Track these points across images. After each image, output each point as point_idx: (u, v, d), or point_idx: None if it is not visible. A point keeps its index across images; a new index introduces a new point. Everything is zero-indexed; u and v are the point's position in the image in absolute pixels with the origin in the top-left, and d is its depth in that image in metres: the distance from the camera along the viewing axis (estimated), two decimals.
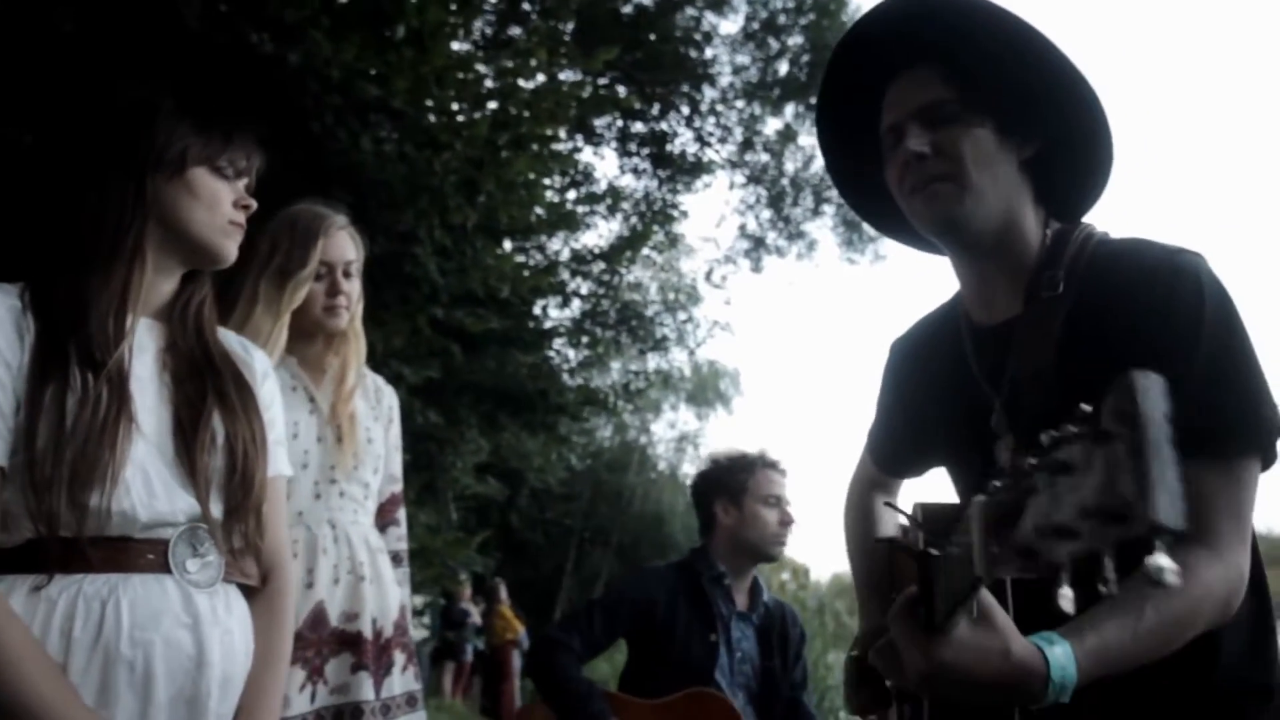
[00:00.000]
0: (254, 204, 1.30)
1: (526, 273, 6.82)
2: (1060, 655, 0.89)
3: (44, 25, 4.35)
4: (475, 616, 11.31)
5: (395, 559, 2.01)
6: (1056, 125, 1.12)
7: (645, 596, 2.47)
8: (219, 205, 1.25)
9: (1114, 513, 0.57)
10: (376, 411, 2.02)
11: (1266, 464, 1.04)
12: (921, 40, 1.14)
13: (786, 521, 2.53)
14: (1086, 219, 1.19)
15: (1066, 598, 0.63)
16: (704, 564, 2.54)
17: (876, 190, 1.24)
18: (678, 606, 2.46)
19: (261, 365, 1.40)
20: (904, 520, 1.31)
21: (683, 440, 25.57)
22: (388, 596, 1.91)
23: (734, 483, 2.56)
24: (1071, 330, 1.07)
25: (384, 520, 2.04)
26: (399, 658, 1.91)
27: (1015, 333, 1.12)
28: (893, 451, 1.45)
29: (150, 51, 4.37)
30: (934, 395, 1.27)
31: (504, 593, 11.36)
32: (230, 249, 1.28)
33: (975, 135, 1.10)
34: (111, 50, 4.36)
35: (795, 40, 11.51)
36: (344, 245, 1.94)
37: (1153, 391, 0.59)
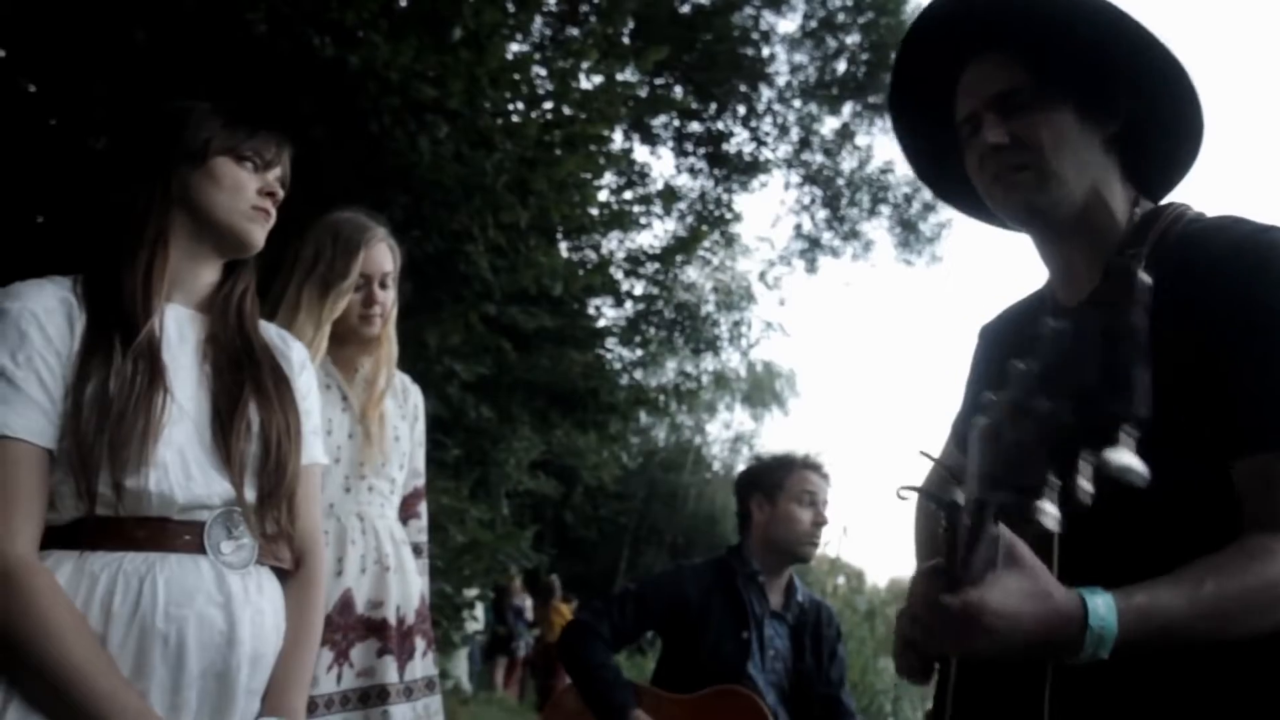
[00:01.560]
0: (281, 192, 1.36)
1: (580, 272, 6.88)
2: (1101, 605, 0.86)
3: (119, 36, 4.53)
4: (528, 611, 11.45)
5: (416, 550, 2.10)
6: (1141, 100, 1.09)
7: (678, 593, 2.50)
8: (242, 191, 1.31)
9: (1083, 398, 0.59)
10: (404, 410, 2.11)
11: None
12: (994, 23, 1.10)
13: (820, 522, 2.53)
14: (1183, 199, 1.14)
15: (1049, 514, 0.63)
16: (739, 561, 2.55)
17: (953, 172, 1.22)
18: (711, 604, 2.48)
19: (299, 356, 1.46)
20: (930, 479, 1.32)
21: (738, 441, 25.54)
22: (410, 586, 2.00)
23: (770, 480, 2.57)
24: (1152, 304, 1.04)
25: (406, 513, 2.13)
26: (420, 644, 2.00)
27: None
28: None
29: (217, 58, 4.53)
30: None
31: (559, 589, 11.48)
32: (257, 234, 1.33)
33: (1054, 121, 1.07)
34: (181, 58, 4.52)
35: (853, 39, 11.42)
36: (383, 257, 2.02)
37: (1140, 291, 0.61)
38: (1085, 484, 0.62)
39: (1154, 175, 1.15)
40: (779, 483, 2.55)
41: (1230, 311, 0.97)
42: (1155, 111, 1.09)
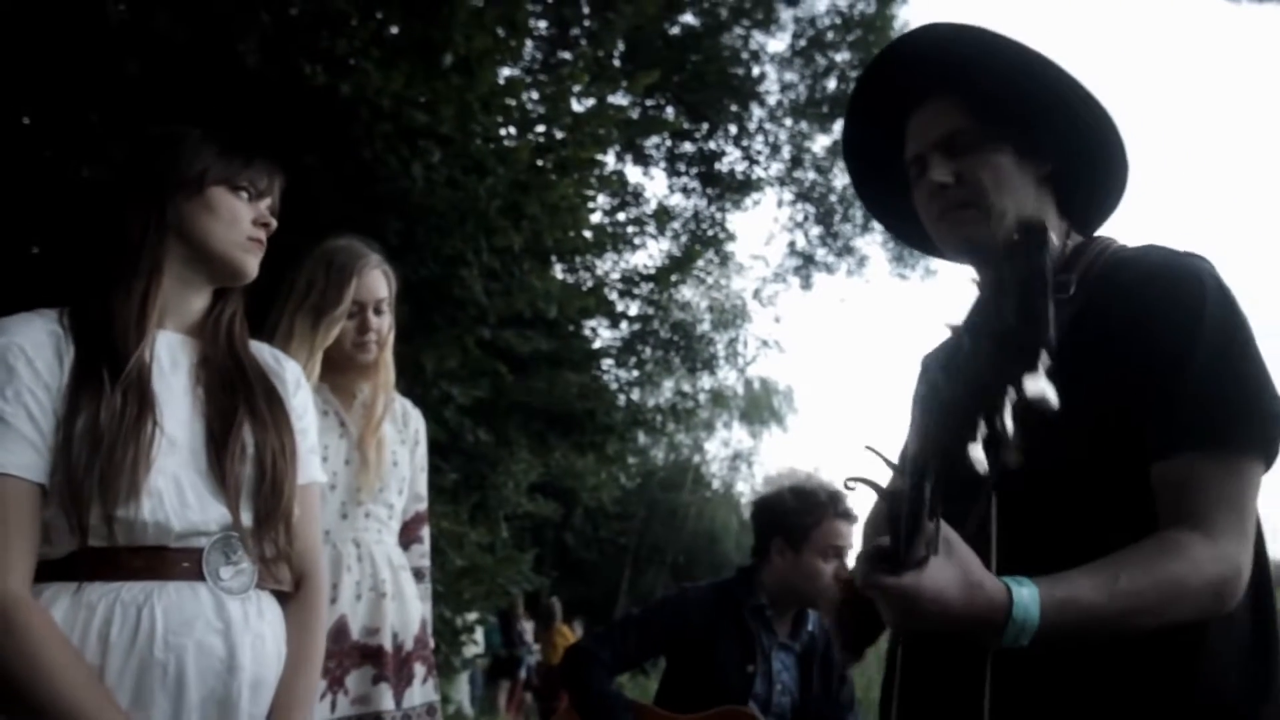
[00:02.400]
0: (274, 222, 1.37)
1: (575, 294, 6.89)
2: (1026, 595, 0.92)
3: (111, 67, 4.56)
4: (528, 634, 11.39)
5: (418, 574, 2.09)
6: (1071, 142, 1.18)
7: (681, 619, 2.44)
8: (238, 222, 1.32)
9: (1002, 336, 0.66)
10: (403, 435, 2.10)
11: (1269, 463, 1.04)
12: (938, 71, 1.20)
13: (841, 576, 2.45)
14: (1111, 232, 1.23)
15: (978, 461, 0.68)
16: (745, 592, 2.45)
17: (904, 211, 1.30)
18: (716, 631, 2.40)
19: (293, 375, 1.46)
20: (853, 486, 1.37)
21: (736, 459, 25.48)
22: (409, 611, 1.99)
23: (798, 526, 2.41)
24: (1076, 331, 1.08)
25: (408, 538, 2.12)
26: (419, 670, 1.98)
27: None
28: None
29: (209, 89, 4.56)
30: None
31: (560, 612, 11.43)
32: (250, 263, 1.34)
33: (993, 161, 1.16)
34: (174, 88, 4.55)
35: (843, 56, 11.51)
36: (376, 284, 2.01)
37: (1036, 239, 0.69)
38: (1009, 423, 0.67)
39: (1085, 211, 1.24)
40: (805, 532, 2.40)
41: (1143, 331, 1.06)
42: (1084, 153, 1.18)
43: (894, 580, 0.90)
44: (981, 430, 0.68)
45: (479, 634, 9.43)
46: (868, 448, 0.94)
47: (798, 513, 2.43)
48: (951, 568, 0.91)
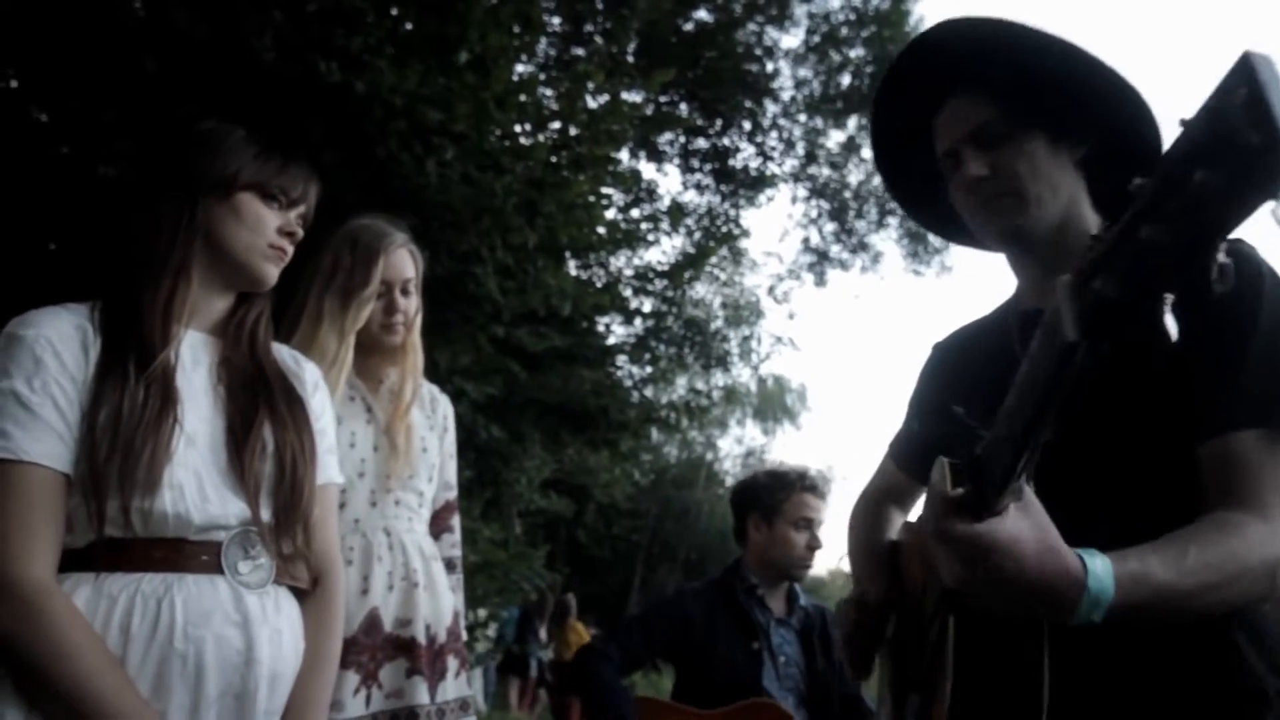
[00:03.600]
0: (300, 232, 1.37)
1: (589, 291, 6.89)
2: (1100, 567, 0.89)
3: (129, 64, 4.58)
4: (541, 631, 11.40)
5: (449, 565, 2.04)
6: (1105, 126, 1.17)
7: (680, 616, 2.52)
8: (262, 229, 1.32)
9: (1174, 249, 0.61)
10: (432, 421, 2.05)
11: None
12: (966, 64, 1.20)
13: (814, 546, 2.55)
14: None
15: (1171, 330, 0.64)
16: (737, 577, 2.59)
17: (934, 200, 1.31)
18: (716, 621, 2.50)
19: (312, 377, 1.46)
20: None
21: (750, 456, 25.47)
22: (441, 602, 1.93)
23: (769, 501, 2.59)
24: None
25: (438, 527, 2.07)
26: (452, 663, 1.93)
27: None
28: (920, 452, 1.45)
29: (226, 86, 4.57)
30: (975, 391, 1.27)
31: (574, 608, 11.45)
32: (269, 273, 1.34)
33: (1027, 150, 1.16)
34: (190, 87, 4.57)
35: (857, 52, 11.46)
36: (403, 263, 1.97)
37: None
38: (1170, 319, 0.64)
39: (1117, 199, 1.19)
40: (776, 506, 2.57)
41: (1201, 311, 1.02)
42: (1118, 134, 1.17)
43: (969, 527, 0.87)
44: (1170, 302, 0.64)
45: (491, 629, 9.46)
46: (952, 409, 0.93)
47: (769, 489, 2.61)
48: (1029, 524, 0.89)
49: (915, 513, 1.51)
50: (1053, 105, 1.16)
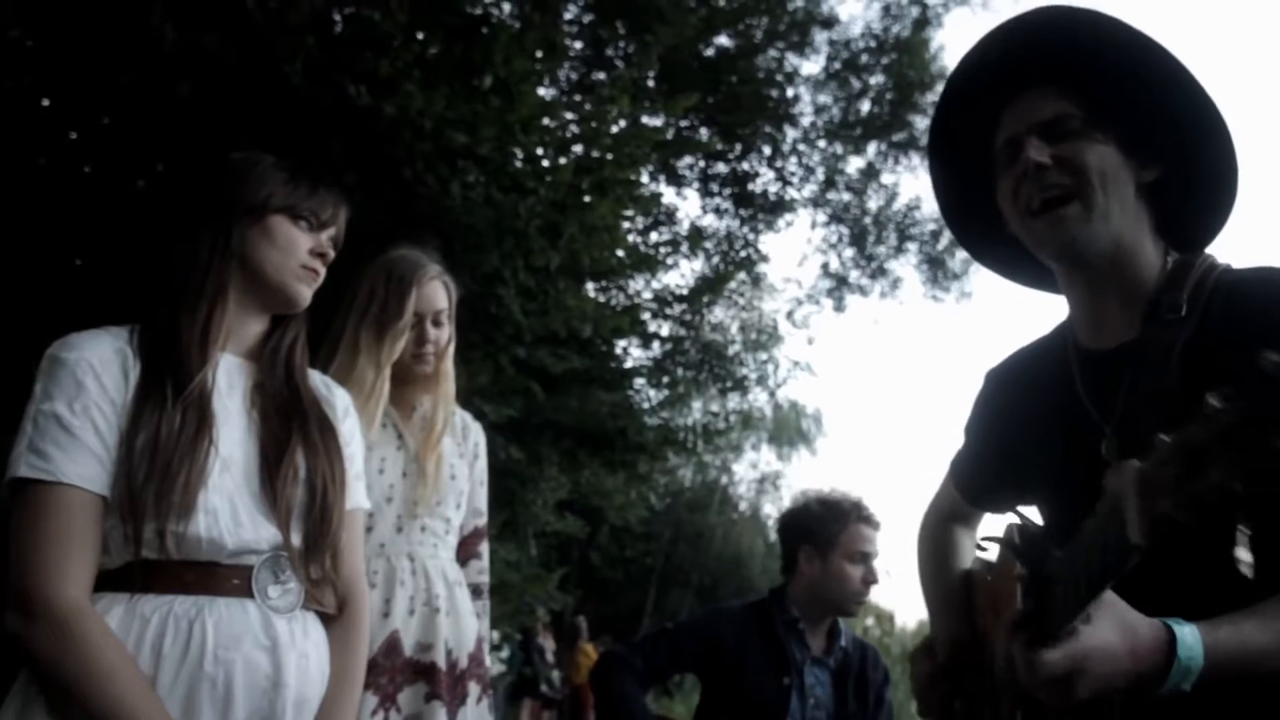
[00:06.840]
0: (332, 253, 1.39)
1: (608, 313, 6.91)
2: (1189, 636, 0.86)
3: (164, 89, 4.65)
4: (549, 653, 11.35)
5: (476, 591, 2.05)
6: (1180, 152, 1.09)
7: (713, 636, 2.44)
8: (294, 251, 1.34)
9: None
10: (462, 448, 2.07)
11: None
12: (1041, 58, 1.10)
13: (870, 580, 2.44)
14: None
15: (1246, 561, 0.63)
16: (779, 608, 2.48)
17: (982, 220, 1.22)
18: (749, 648, 2.42)
19: (343, 403, 1.48)
20: (987, 548, 1.31)
21: (764, 481, 25.37)
22: (464, 628, 1.94)
23: (824, 533, 2.45)
24: (1193, 354, 1.02)
25: (466, 554, 2.08)
26: (474, 689, 1.94)
27: (1131, 356, 1.07)
28: (981, 482, 1.41)
29: (258, 109, 4.64)
30: (1033, 423, 1.23)
31: (585, 630, 11.39)
32: (303, 293, 1.36)
33: (1099, 150, 1.06)
34: (223, 109, 4.63)
35: (877, 79, 11.49)
36: (436, 295, 2.00)
37: None
38: (1245, 554, 0.63)
39: (1188, 227, 1.14)
40: (832, 538, 2.43)
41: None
42: (1193, 162, 1.09)
43: (1057, 655, 0.85)
44: (1245, 536, 0.63)
45: (504, 652, 9.43)
46: (1014, 512, 0.91)
47: (823, 520, 2.47)
48: (1109, 615, 0.86)
49: (982, 532, 1.47)
50: (1133, 114, 1.07)
